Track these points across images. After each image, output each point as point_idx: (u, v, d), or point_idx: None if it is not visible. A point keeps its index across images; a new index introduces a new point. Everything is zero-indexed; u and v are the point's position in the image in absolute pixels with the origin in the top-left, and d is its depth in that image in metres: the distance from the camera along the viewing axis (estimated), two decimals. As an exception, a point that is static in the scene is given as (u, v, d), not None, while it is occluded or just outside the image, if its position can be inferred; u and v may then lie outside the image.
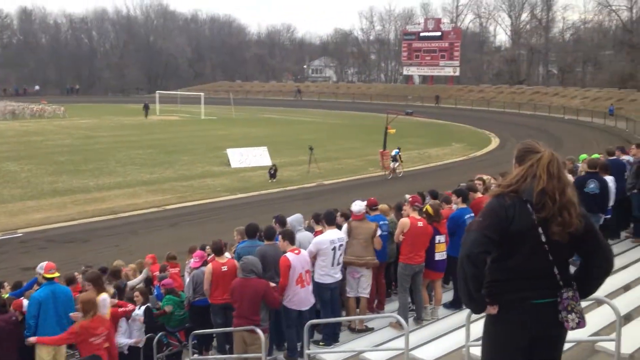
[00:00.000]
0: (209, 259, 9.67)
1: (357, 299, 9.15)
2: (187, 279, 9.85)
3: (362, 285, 9.06)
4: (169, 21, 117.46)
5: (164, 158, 34.01)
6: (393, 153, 30.28)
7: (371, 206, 9.70)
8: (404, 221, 8.70)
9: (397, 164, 30.06)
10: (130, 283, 10.67)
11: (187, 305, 9.57)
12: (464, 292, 3.45)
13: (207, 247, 10.77)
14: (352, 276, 9.03)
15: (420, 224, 8.60)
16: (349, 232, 8.90)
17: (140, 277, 11.03)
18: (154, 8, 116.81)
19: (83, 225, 20.28)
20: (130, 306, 9.01)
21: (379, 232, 9.02)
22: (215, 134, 46.67)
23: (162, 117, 60.69)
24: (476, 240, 3.35)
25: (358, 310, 9.12)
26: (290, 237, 8.24)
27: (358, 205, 9.08)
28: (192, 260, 10.19)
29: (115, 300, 8.87)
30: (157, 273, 11.05)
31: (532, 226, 3.31)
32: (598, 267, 3.48)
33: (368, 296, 9.15)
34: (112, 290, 9.24)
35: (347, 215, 9.60)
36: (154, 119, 59.25)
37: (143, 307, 9.26)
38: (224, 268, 8.47)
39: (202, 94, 71.30)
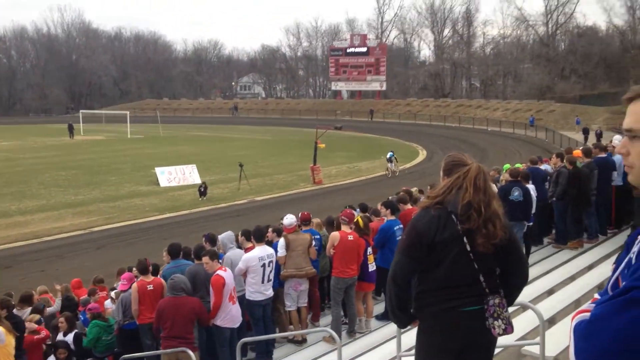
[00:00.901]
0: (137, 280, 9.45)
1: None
2: (115, 303, 9.59)
3: (303, 296, 9.13)
4: (92, 39, 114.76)
5: (89, 179, 33.08)
6: (388, 155, 34.14)
7: (304, 221, 9.74)
8: (334, 235, 8.77)
9: (393, 164, 33.80)
10: (49, 309, 10.30)
11: (117, 329, 9.31)
12: (390, 308, 3.64)
13: (134, 268, 10.52)
14: (295, 289, 9.04)
15: (350, 237, 8.67)
16: (287, 246, 8.91)
17: (55, 305, 10.62)
18: (76, 26, 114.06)
19: (6, 251, 19.45)
20: (43, 333, 8.71)
21: (313, 244, 9.12)
22: (143, 152, 45.79)
23: (87, 137, 59.13)
24: (400, 263, 3.49)
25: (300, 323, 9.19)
26: (217, 256, 8.22)
27: (289, 219, 9.15)
28: (119, 283, 9.94)
29: (35, 326, 8.58)
30: (83, 297, 10.71)
31: (457, 236, 3.37)
32: (515, 279, 3.61)
33: (306, 305, 9.24)
34: (37, 316, 8.95)
35: (279, 231, 9.60)
36: (79, 139, 57.67)
37: (71, 334, 8.97)
38: (150, 287, 8.31)
39: (127, 112, 69.90)
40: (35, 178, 33.10)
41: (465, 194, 3.38)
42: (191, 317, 7.37)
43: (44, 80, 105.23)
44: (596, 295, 1.78)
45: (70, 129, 58.33)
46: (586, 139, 43.28)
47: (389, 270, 3.64)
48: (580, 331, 1.53)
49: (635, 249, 1.56)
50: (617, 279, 1.67)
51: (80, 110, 72.81)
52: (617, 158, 11.12)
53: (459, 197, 3.38)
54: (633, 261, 1.54)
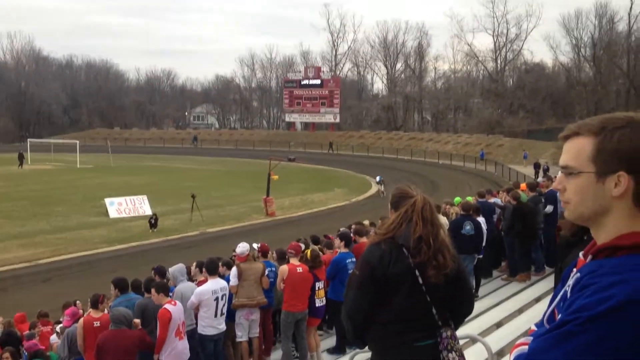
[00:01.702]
0: (85, 314, 9.21)
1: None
2: (60, 339, 9.31)
3: (254, 326, 9.04)
4: (42, 67, 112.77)
5: (37, 210, 32.23)
6: (377, 179, 38.68)
7: (263, 252, 9.73)
8: (283, 268, 8.77)
9: (382, 186, 36.48)
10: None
11: (62, 366, 9.01)
12: (349, 335, 3.70)
13: (77, 301, 10.25)
14: (246, 318, 8.96)
15: (299, 269, 8.66)
16: (239, 275, 8.84)
17: None
18: (26, 53, 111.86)
19: (-55, 284, 18.76)
20: None
21: (266, 273, 9.10)
22: (93, 183, 44.90)
23: (35, 167, 57.75)
24: (354, 299, 3.49)
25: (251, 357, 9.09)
26: (164, 289, 8.07)
27: (242, 247, 9.12)
28: (63, 318, 9.66)
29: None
30: (27, 332, 10.36)
31: (409, 270, 3.39)
32: (464, 309, 3.69)
33: (258, 335, 9.15)
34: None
35: (229, 264, 9.53)
36: (27, 168, 56.27)
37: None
38: (96, 323, 8.01)
39: (77, 141, 68.60)
40: (-21, 208, 32.10)
41: (416, 227, 3.41)
42: (133, 350, 7.18)
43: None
44: (533, 327, 1.83)
45: (21, 158, 56.84)
46: (537, 173, 44.35)
47: (339, 303, 3.66)
48: None
49: (570, 282, 1.62)
50: (552, 311, 1.73)
51: (29, 139, 71.18)
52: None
53: (410, 230, 3.42)
54: (568, 295, 1.60)
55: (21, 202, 34.63)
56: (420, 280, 3.40)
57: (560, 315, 1.56)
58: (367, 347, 3.70)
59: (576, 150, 1.62)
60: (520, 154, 59.44)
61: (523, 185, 12.97)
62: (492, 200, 12.85)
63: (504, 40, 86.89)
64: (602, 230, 1.62)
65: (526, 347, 1.62)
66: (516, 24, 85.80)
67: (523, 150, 59.86)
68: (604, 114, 1.80)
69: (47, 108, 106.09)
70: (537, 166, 46.71)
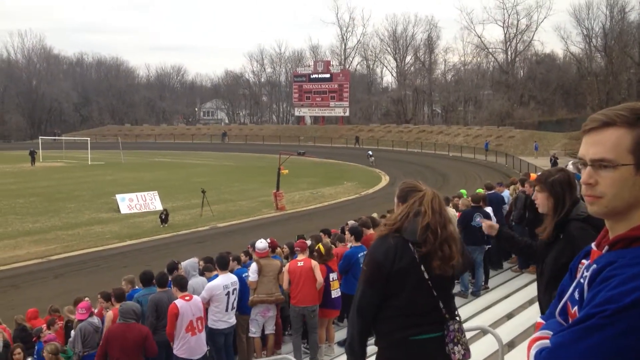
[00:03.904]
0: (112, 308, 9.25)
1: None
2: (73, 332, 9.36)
3: (270, 323, 9.05)
4: (53, 65, 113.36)
5: (48, 206, 32.44)
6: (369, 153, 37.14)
7: (272, 247, 9.74)
8: (285, 268, 8.82)
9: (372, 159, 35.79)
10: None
11: (77, 360, 9.07)
12: (349, 340, 3.59)
13: (86, 298, 10.31)
14: (263, 315, 8.96)
15: (300, 263, 8.68)
16: (260, 270, 8.85)
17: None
18: (37, 52, 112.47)
19: (-42, 281, 18.91)
20: None
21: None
22: (104, 179, 45.12)
23: (47, 164, 58.13)
24: (363, 294, 3.48)
25: (264, 351, 9.08)
26: (179, 283, 8.06)
27: (262, 243, 9.13)
28: (76, 312, 9.71)
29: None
30: (37, 327, 10.42)
31: (414, 264, 3.38)
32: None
33: (274, 332, 9.16)
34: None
35: (238, 259, 9.56)
36: (39, 165, 56.66)
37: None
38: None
39: (88, 138, 69.00)
40: (-9, 206, 32.35)
41: (424, 216, 3.41)
42: (139, 344, 7.21)
43: (3, 106, 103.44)
44: (539, 320, 1.81)
45: (32, 155, 57.31)
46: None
47: (352, 297, 3.65)
48: (543, 359, 1.55)
49: (587, 274, 1.60)
50: (565, 304, 1.71)
51: (40, 137, 71.62)
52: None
53: (416, 223, 3.41)
54: (585, 287, 1.58)
55: (33, 199, 34.87)
56: (426, 275, 3.39)
57: (582, 309, 1.54)
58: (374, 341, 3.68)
59: (613, 142, 1.57)
60: (531, 145, 59.18)
61: (533, 176, 12.89)
62: (503, 192, 12.79)
63: (514, 31, 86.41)
64: (624, 223, 1.59)
65: (546, 341, 1.60)
66: (526, 15, 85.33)
67: (534, 142, 59.60)
68: (615, 104, 1.75)
69: (59, 106, 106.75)
70: (553, 160, 46.25)
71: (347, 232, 9.96)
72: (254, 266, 8.96)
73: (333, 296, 9.04)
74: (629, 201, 1.57)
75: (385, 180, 45.33)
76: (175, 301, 7.77)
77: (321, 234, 11.72)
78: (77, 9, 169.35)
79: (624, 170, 1.55)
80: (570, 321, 1.59)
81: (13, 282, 18.88)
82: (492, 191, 12.31)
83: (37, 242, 23.94)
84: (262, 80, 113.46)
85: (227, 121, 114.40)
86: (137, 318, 7.34)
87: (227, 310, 8.50)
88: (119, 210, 30.51)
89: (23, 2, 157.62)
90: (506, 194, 12.81)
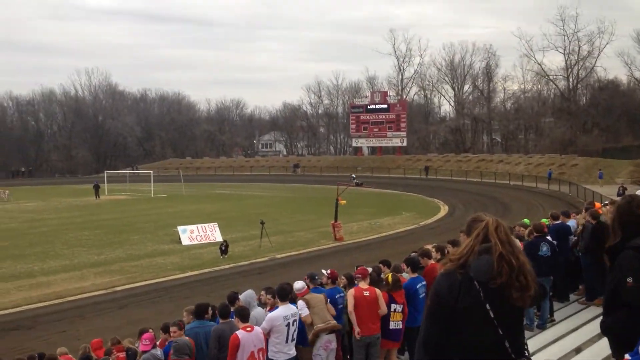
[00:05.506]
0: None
1: None
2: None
3: (332, 356, 8.97)
4: (118, 101, 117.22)
5: (112, 238, 33.30)
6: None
7: (332, 278, 9.71)
8: (350, 293, 8.73)
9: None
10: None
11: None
12: None
13: (150, 329, 10.43)
14: (325, 348, 8.88)
15: (366, 293, 8.59)
16: (308, 304, 8.84)
17: None
18: (103, 88, 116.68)
19: (28, 312, 19.48)
20: None
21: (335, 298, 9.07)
22: (166, 211, 46.11)
23: (111, 197, 59.83)
24: (427, 329, 3.41)
25: None
26: (241, 314, 8.08)
27: (300, 284, 9.20)
28: (139, 343, 9.84)
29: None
30: (103, 358, 10.61)
31: (479, 302, 3.27)
32: None
33: None
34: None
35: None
36: (104, 199, 58.37)
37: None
38: None
39: (151, 172, 70.79)
40: (59, 238, 33.41)
41: (495, 247, 3.29)
42: None
43: (70, 141, 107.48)
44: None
45: (96, 189, 59.10)
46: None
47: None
48: None
49: None
50: None
51: (105, 171, 73.90)
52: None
53: (482, 260, 3.29)
54: None
55: (98, 231, 35.86)
56: (492, 314, 3.26)
57: None
58: None
59: None
60: (595, 174, 57.52)
61: (598, 205, 12.51)
62: (569, 222, 12.42)
63: (576, 58, 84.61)
64: None
65: None
66: (588, 41, 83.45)
67: (598, 170, 57.92)
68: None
69: (123, 140, 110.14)
70: (622, 190, 44.58)
71: (403, 263, 9.85)
72: (300, 302, 8.93)
73: (391, 327, 8.91)
74: None
75: (444, 210, 44.78)
76: (237, 332, 7.78)
77: (380, 265, 11.59)
78: (141, 47, 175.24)
79: None
80: None
81: (79, 312, 19.35)
82: (558, 221, 11.98)
83: (102, 274, 24.54)
84: (320, 111, 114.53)
85: (284, 153, 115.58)
86: (190, 354, 7.36)
87: (287, 341, 8.45)
88: (180, 242, 31.04)
89: (91, 40, 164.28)
90: (572, 223, 12.44)
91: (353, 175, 58.55)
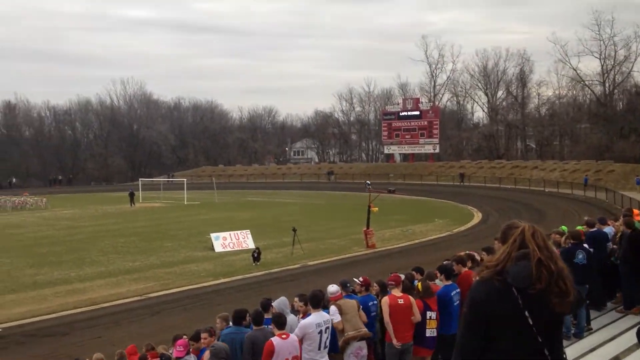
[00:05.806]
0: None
1: None
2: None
3: None
4: (153, 110, 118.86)
5: (147, 245, 33.69)
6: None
7: (365, 286, 9.68)
8: (384, 300, 8.68)
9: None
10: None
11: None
12: None
13: (184, 336, 10.50)
14: (356, 355, 8.86)
15: (400, 300, 8.54)
16: (340, 310, 8.82)
17: None
18: (138, 97, 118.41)
19: (64, 318, 19.75)
20: None
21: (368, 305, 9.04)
22: (199, 219, 46.51)
23: (146, 205, 60.58)
24: (464, 337, 3.37)
25: None
26: (277, 321, 8.08)
27: (333, 288, 9.16)
28: (173, 349, 9.92)
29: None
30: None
31: (517, 310, 3.22)
32: None
33: None
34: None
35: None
36: (138, 206, 59.14)
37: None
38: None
39: (185, 179, 71.55)
40: (94, 245, 33.90)
41: (533, 253, 3.23)
42: None
43: (106, 150, 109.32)
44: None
45: (131, 197, 59.92)
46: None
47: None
48: None
49: None
50: None
51: (140, 179, 74.90)
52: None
53: (520, 267, 3.24)
54: None
55: (133, 239, 36.32)
56: (531, 322, 3.20)
57: None
58: None
59: None
60: (632, 180, 56.47)
61: (636, 211, 12.23)
62: (606, 229, 12.17)
63: (612, 62, 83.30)
64: None
65: None
66: (624, 46, 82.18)
67: (635, 176, 56.80)
68: None
69: (157, 149, 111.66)
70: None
71: (436, 271, 9.76)
72: (333, 308, 8.89)
73: (427, 334, 8.85)
74: None
75: (477, 217, 44.36)
76: (272, 338, 7.78)
77: (413, 272, 11.51)
78: (175, 56, 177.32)
79: None
80: None
81: (115, 318, 19.57)
82: (595, 228, 11.75)
83: (137, 280, 24.82)
84: (352, 119, 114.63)
85: (316, 160, 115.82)
86: (227, 358, 7.39)
87: (319, 348, 8.42)
88: (213, 249, 31.26)
89: (126, 50, 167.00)
90: (609, 230, 12.19)
91: (368, 182, 58.62)
